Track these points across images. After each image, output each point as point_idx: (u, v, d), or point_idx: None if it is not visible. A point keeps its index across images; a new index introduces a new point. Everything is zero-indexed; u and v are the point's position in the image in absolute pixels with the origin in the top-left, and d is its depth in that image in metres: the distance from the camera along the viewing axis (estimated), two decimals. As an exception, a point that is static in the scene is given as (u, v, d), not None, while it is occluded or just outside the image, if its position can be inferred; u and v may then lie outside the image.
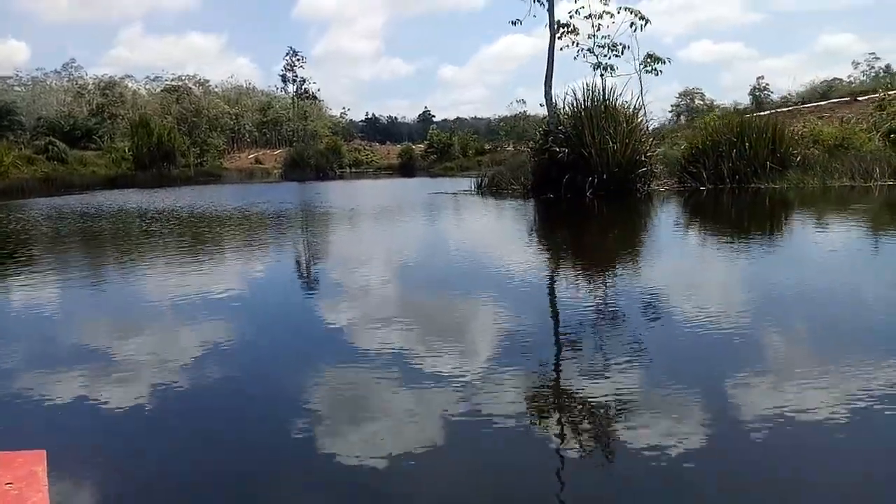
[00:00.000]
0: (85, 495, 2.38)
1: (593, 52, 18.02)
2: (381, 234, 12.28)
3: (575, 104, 17.59)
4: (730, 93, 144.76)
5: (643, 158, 17.16)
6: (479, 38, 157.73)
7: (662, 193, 17.41)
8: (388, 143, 71.27)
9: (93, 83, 64.40)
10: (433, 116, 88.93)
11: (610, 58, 18.03)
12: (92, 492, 2.43)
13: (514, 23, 18.75)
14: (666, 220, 13.09)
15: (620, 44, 18.01)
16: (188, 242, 11.21)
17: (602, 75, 17.61)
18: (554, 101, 17.98)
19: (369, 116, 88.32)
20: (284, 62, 48.62)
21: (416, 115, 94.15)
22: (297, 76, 48.70)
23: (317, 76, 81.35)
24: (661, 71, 17.31)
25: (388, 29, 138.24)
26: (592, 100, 17.31)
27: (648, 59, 17.57)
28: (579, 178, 16.80)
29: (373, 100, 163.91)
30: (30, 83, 64.57)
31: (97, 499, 2.41)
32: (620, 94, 17.52)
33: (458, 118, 78.11)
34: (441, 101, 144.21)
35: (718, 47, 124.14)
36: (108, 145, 45.17)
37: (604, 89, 17.38)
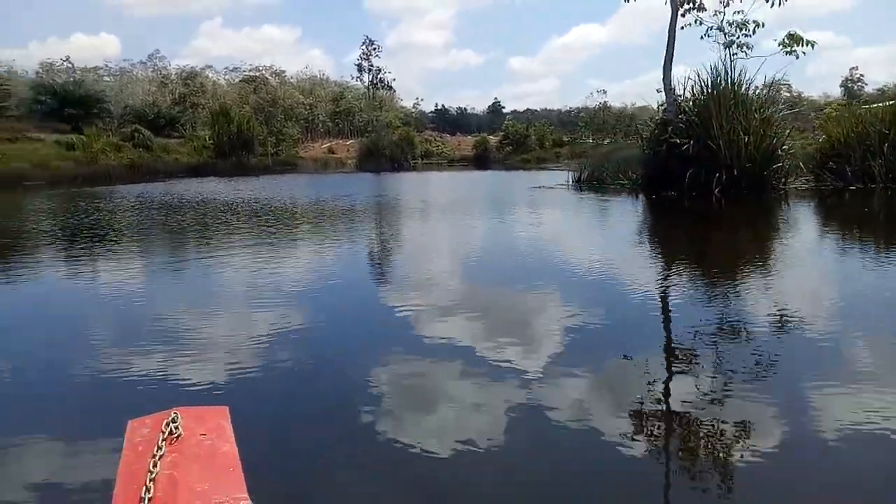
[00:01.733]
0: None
1: (722, 29, 15.59)
2: (505, 238, 9.78)
3: (698, 90, 15.32)
4: (815, 84, 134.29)
5: (780, 152, 14.75)
6: (550, 28, 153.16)
7: (802, 192, 14.96)
8: (458, 133, 69.42)
9: (175, 74, 64.87)
10: (503, 107, 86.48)
11: (739, 37, 15.57)
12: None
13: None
14: (826, 228, 10.72)
15: (754, 21, 15.53)
16: (297, 248, 9.66)
17: (733, 56, 15.18)
18: (673, 86, 15.71)
19: (439, 107, 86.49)
20: (360, 51, 47.35)
21: (486, 106, 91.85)
22: (372, 65, 47.31)
23: (388, 67, 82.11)
24: (804, 52, 14.79)
25: (459, 20, 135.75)
26: (720, 85, 14.99)
27: (788, 40, 15.03)
28: (703, 173, 14.56)
29: (442, 91, 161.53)
30: (118, 73, 65.64)
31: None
32: (753, 78, 15.16)
33: (527, 109, 75.47)
34: (510, 91, 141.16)
35: (806, 36, 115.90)
36: (189, 133, 44.89)
37: (732, 72, 15.05)
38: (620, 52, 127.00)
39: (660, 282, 6.15)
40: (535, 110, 71.61)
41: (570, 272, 6.65)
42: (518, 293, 5.74)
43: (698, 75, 15.19)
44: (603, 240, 9.67)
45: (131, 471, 1.32)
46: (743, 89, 14.95)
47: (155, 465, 1.29)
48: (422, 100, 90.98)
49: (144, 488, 1.23)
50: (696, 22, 15.85)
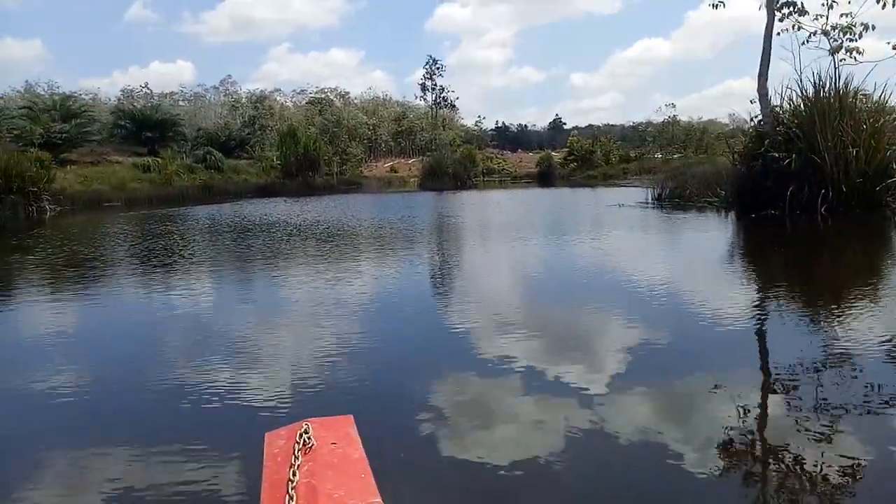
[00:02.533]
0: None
1: (827, 34, 14.12)
2: (611, 266, 8.44)
3: (799, 99, 13.89)
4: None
5: (894, 167, 13.15)
6: (613, 43, 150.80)
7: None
8: (519, 150, 68.40)
9: (246, 97, 66.55)
10: (564, 123, 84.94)
11: (844, 42, 14.06)
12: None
13: (714, 6, 15.27)
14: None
15: (862, 24, 14.00)
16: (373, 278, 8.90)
17: (840, 63, 13.71)
18: (770, 95, 14.33)
19: (499, 125, 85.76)
20: (424, 71, 47.12)
21: (547, 122, 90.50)
22: (435, 84, 46.97)
23: (451, 86, 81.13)
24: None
25: (520, 38, 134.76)
26: (823, 93, 13.54)
27: (903, 43, 13.47)
28: (807, 190, 13.11)
29: (503, 109, 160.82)
30: (192, 98, 67.94)
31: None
32: (861, 86, 13.64)
33: (589, 125, 73.56)
34: (571, 108, 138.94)
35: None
36: (258, 154, 45.51)
37: (837, 79, 13.58)
38: (685, 67, 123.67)
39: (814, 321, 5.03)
40: (598, 126, 69.75)
41: (699, 314, 5.55)
42: (645, 341, 4.70)
43: (799, 83, 13.77)
44: (720, 271, 8.43)
45: (273, 480, 1.43)
46: (850, 98, 13.44)
47: (294, 474, 1.38)
48: (484, 118, 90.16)
49: (288, 496, 1.31)
50: (794, 28, 14.41)
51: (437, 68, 47.09)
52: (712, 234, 12.44)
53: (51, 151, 30.16)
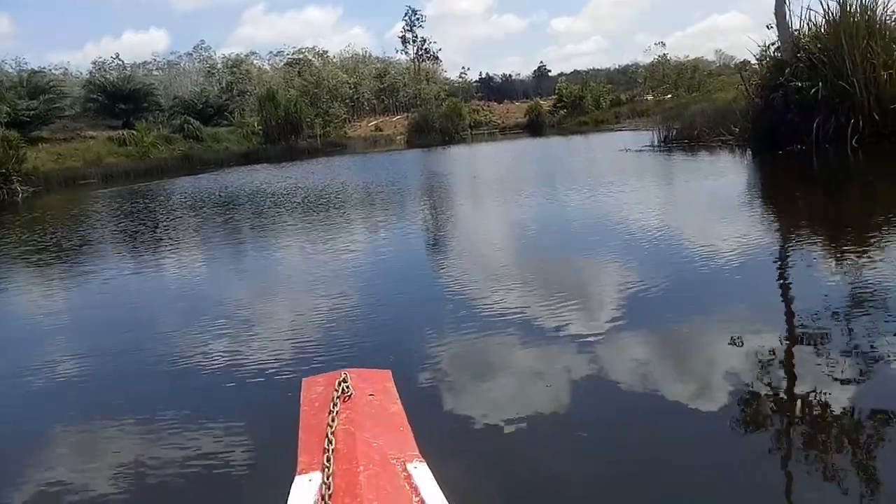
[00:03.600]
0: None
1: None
2: (652, 226, 6.81)
3: (822, 20, 12.51)
4: None
5: (930, 89, 11.88)
6: None
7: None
8: (505, 101, 66.32)
9: (221, 62, 63.81)
10: (549, 71, 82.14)
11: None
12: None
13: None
14: None
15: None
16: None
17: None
18: (788, 18, 12.93)
19: (483, 76, 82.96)
20: (403, 23, 44.79)
21: (531, 71, 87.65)
22: (416, 36, 44.79)
23: (430, 37, 76.68)
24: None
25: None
26: (849, 11, 12.16)
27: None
28: (833, 121, 11.87)
29: (486, 59, 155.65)
30: (166, 67, 65.09)
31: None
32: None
33: (574, 71, 71.10)
34: (555, 54, 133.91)
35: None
36: (238, 120, 43.52)
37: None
38: (667, 4, 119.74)
39: None
40: (583, 71, 67.47)
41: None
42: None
43: (822, 2, 12.37)
44: (773, 219, 7.26)
45: (311, 424, 1.39)
46: (879, 14, 12.08)
47: (333, 420, 1.34)
48: (468, 69, 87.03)
49: (327, 440, 1.28)
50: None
51: (417, 19, 44.89)
52: (736, 176, 11.22)
53: (19, 130, 28.31)
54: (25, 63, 43.81)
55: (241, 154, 35.50)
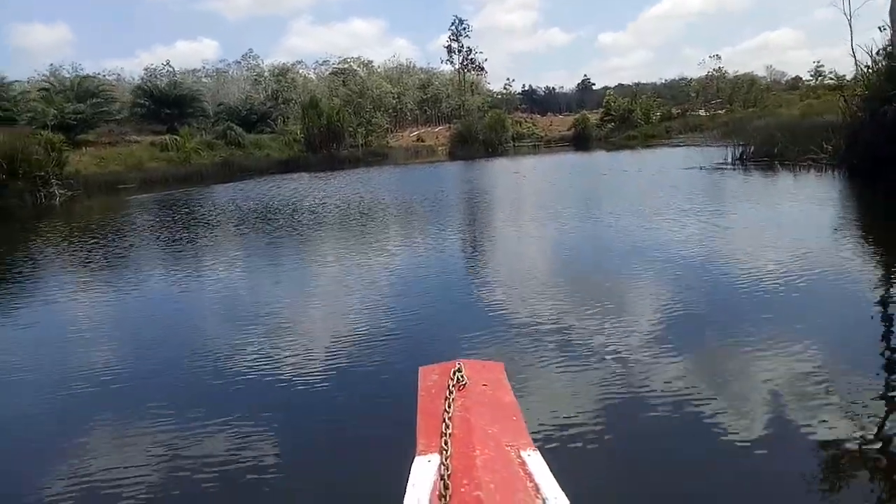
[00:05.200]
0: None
1: None
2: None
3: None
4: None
5: None
6: (641, 0, 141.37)
7: None
8: (549, 114, 64.39)
9: (268, 71, 63.58)
10: (593, 84, 79.76)
11: None
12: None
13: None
14: None
15: None
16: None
17: None
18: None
19: (526, 88, 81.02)
20: (449, 32, 43.42)
21: (574, 84, 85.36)
22: (462, 46, 43.32)
23: (476, 47, 74.02)
24: None
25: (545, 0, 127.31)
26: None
27: None
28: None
29: (529, 73, 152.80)
30: (214, 74, 65.23)
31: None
32: None
33: (619, 84, 68.81)
34: (599, 67, 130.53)
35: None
36: (280, 128, 42.63)
37: None
38: (716, 19, 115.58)
39: None
40: (628, 85, 65.16)
41: None
42: None
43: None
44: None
45: (429, 410, 1.42)
46: None
47: (450, 406, 1.38)
48: (513, 80, 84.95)
49: (444, 424, 1.32)
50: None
51: (463, 29, 43.38)
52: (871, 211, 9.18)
53: (65, 133, 27.75)
54: (81, 69, 43.89)
55: (281, 161, 34.53)
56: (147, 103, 40.36)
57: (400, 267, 6.66)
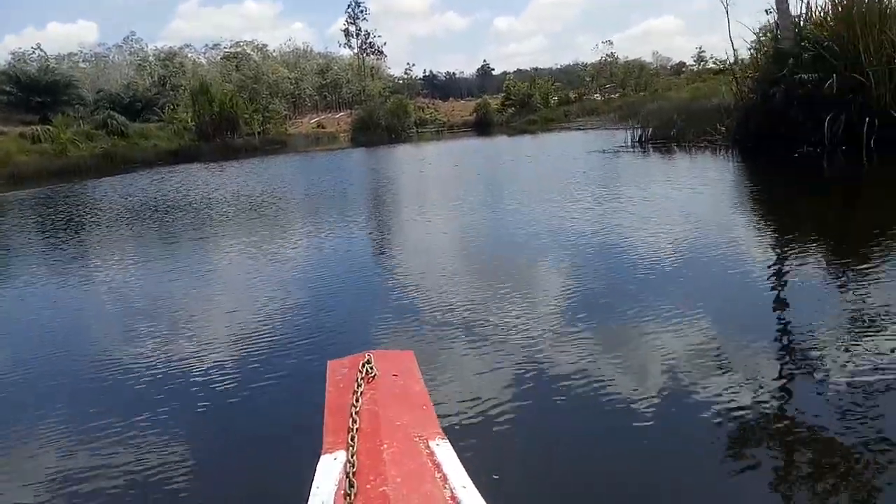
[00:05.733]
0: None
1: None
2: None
3: (827, 4, 10.76)
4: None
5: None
6: None
7: None
8: (450, 99, 64.14)
9: (153, 55, 59.15)
10: (492, 69, 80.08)
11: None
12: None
13: None
14: None
15: None
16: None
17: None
18: (787, 4, 11.13)
19: (427, 73, 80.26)
20: (346, 14, 41.92)
21: (474, 69, 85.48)
22: (360, 29, 41.97)
23: (375, 30, 70.22)
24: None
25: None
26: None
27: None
28: (843, 119, 10.14)
29: (428, 57, 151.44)
30: (93, 59, 59.99)
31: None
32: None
33: (517, 70, 69.37)
34: (497, 52, 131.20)
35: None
36: (169, 116, 39.63)
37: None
38: (607, 6, 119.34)
39: None
40: (526, 70, 65.92)
41: None
42: None
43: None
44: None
45: (337, 404, 1.38)
46: (890, -1, 10.41)
47: (357, 401, 1.34)
48: (413, 65, 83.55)
49: (351, 419, 1.28)
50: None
51: (361, 12, 42.03)
52: (785, 188, 9.19)
53: None
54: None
55: (170, 152, 32.00)
56: (14, 91, 36.32)
57: (302, 264, 6.20)
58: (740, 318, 3.77)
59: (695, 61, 48.23)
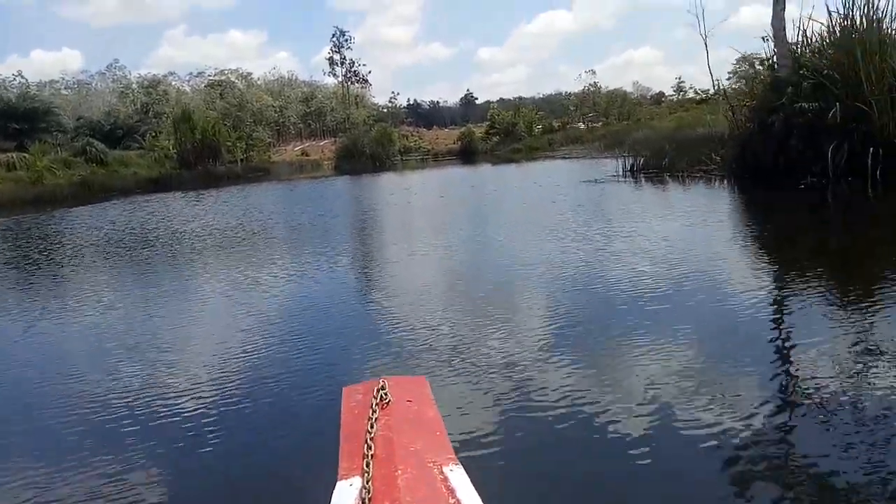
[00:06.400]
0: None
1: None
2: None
3: (825, 31, 10.37)
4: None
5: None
6: (517, 16, 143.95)
7: None
8: (434, 127, 63.98)
9: (137, 83, 58.37)
10: (475, 98, 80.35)
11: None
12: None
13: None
14: None
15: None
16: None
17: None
18: (784, 31, 10.72)
19: (411, 102, 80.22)
20: (331, 44, 41.57)
21: (458, 98, 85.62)
22: (344, 58, 41.64)
23: (359, 59, 70.42)
24: None
25: (425, 12, 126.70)
26: (858, 21, 10.05)
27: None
28: (845, 148, 9.65)
29: (413, 86, 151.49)
30: (75, 86, 59.06)
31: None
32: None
33: (500, 99, 69.68)
34: (481, 82, 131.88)
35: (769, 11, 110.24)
36: (150, 143, 38.72)
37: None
38: (588, 38, 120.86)
39: None
40: (509, 100, 66.09)
41: None
42: None
43: (831, 13, 10.18)
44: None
45: (352, 430, 1.38)
46: (886, 24, 10.03)
47: (372, 427, 1.33)
48: (398, 94, 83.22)
49: (366, 445, 1.27)
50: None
51: (346, 40, 41.71)
52: (799, 221, 8.59)
53: None
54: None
55: (150, 180, 31.08)
56: (-11, 117, 35.35)
57: (288, 299, 5.96)
58: (744, 355, 3.64)
59: (674, 91, 48.54)
